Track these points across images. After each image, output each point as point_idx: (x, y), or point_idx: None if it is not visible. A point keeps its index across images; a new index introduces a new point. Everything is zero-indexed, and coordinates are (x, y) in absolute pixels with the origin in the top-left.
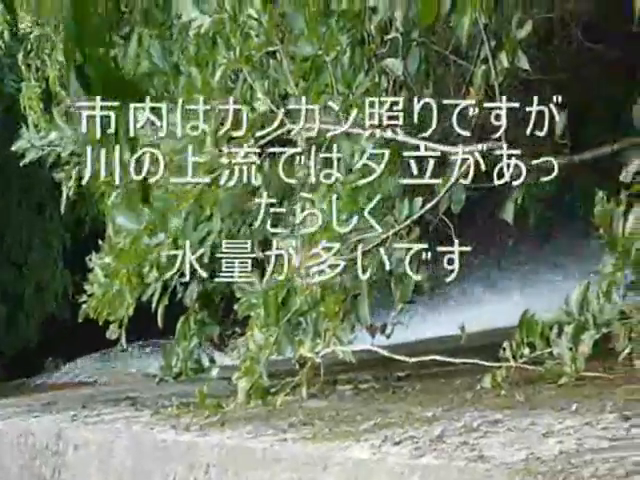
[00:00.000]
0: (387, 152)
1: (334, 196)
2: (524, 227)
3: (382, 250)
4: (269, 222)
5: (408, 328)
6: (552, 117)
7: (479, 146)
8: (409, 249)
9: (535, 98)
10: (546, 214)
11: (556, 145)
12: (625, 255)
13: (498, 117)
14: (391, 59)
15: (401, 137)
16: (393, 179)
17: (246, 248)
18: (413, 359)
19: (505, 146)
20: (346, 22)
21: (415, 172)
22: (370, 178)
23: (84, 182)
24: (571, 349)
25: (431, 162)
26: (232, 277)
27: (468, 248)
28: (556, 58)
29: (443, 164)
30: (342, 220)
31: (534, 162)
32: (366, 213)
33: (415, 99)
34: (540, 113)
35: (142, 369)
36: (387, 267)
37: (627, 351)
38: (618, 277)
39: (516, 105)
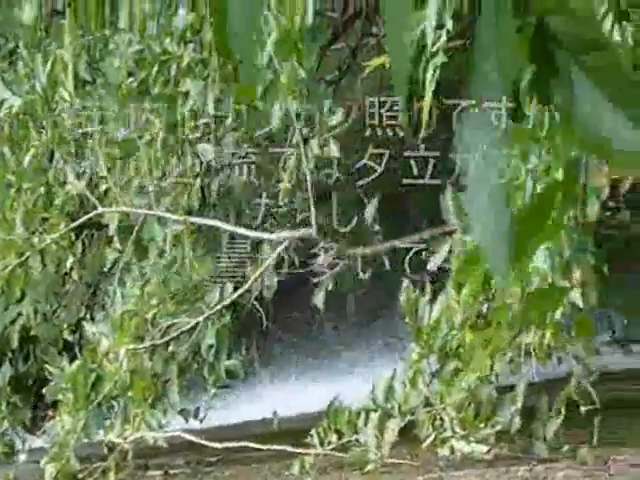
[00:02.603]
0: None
1: (146, 280)
2: (342, 313)
3: (194, 335)
4: (83, 305)
5: (224, 412)
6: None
7: (292, 233)
8: (221, 334)
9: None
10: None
11: (368, 233)
12: (430, 344)
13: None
14: (203, 144)
15: (211, 222)
16: (204, 265)
17: (58, 331)
18: (222, 444)
19: (314, 233)
20: (160, 105)
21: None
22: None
23: None
24: (377, 436)
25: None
26: (43, 360)
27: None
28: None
29: (257, 250)
30: (153, 305)
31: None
32: (177, 298)
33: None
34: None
35: None
36: (202, 352)
37: (431, 438)
38: (423, 365)
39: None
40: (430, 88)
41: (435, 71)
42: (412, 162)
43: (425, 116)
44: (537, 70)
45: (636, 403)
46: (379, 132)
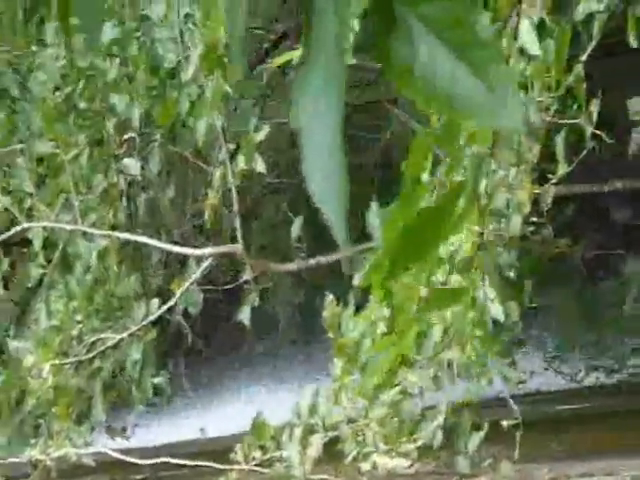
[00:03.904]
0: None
1: (71, 295)
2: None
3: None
4: (10, 323)
5: (151, 429)
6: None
7: (218, 249)
8: (147, 350)
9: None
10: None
11: (294, 249)
12: (353, 359)
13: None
14: (129, 159)
15: (137, 237)
16: (129, 280)
17: None
18: (147, 462)
19: (241, 249)
20: (85, 121)
21: (156, 273)
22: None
23: None
24: (300, 452)
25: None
26: None
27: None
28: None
29: (184, 265)
30: (78, 320)
31: (275, 266)
32: (102, 313)
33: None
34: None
35: None
36: (128, 368)
37: (354, 453)
38: (346, 380)
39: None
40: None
41: None
42: None
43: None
44: (376, 23)
45: (556, 420)
46: None
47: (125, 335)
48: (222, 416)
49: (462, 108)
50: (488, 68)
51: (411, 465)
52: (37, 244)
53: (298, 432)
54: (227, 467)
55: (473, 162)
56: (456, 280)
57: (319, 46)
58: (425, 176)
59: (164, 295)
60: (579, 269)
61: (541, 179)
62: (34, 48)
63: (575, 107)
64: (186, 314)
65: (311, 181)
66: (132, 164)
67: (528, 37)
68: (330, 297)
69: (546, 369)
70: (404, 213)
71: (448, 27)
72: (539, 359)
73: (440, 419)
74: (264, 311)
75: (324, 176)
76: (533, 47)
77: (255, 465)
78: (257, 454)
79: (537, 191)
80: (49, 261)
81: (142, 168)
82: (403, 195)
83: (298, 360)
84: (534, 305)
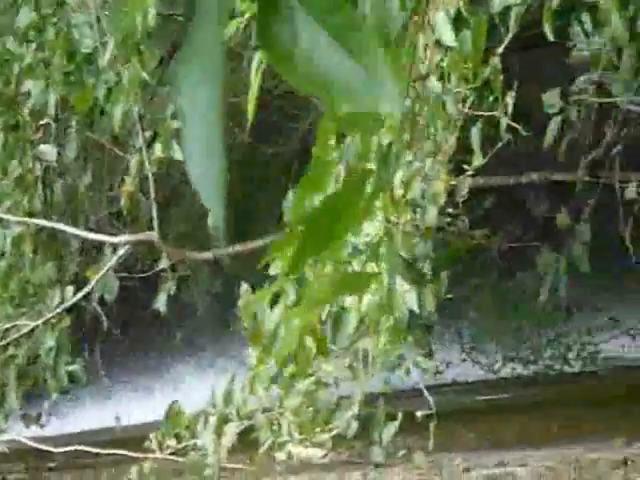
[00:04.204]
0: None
1: None
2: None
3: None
4: None
5: (66, 417)
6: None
7: (134, 236)
8: (62, 337)
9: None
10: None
11: (215, 239)
12: (268, 348)
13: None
14: (45, 145)
15: (52, 224)
16: (44, 267)
17: None
18: (60, 450)
19: (157, 237)
20: (1, 106)
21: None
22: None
23: None
24: (215, 441)
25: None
26: None
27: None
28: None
29: (100, 252)
30: None
31: (192, 255)
32: (16, 300)
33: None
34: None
35: None
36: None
37: (269, 443)
38: (262, 369)
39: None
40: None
41: None
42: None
43: None
44: (259, 7)
45: (472, 411)
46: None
47: (40, 322)
48: (138, 404)
49: (341, 93)
50: (366, 52)
51: (325, 455)
52: None
53: (213, 421)
54: (142, 455)
55: (380, 149)
56: (373, 270)
57: (199, 39)
58: (332, 160)
59: (80, 282)
60: (496, 261)
61: (459, 171)
62: None
63: (492, 99)
64: (103, 302)
65: (192, 174)
66: (48, 150)
67: (444, 28)
68: (245, 286)
69: (464, 360)
70: (310, 197)
71: (327, 11)
72: (457, 350)
73: (355, 409)
74: (182, 299)
75: (204, 170)
76: (448, 38)
77: (170, 454)
78: (172, 443)
79: (453, 182)
80: None
81: (58, 154)
82: (307, 178)
83: (215, 348)
84: (450, 296)
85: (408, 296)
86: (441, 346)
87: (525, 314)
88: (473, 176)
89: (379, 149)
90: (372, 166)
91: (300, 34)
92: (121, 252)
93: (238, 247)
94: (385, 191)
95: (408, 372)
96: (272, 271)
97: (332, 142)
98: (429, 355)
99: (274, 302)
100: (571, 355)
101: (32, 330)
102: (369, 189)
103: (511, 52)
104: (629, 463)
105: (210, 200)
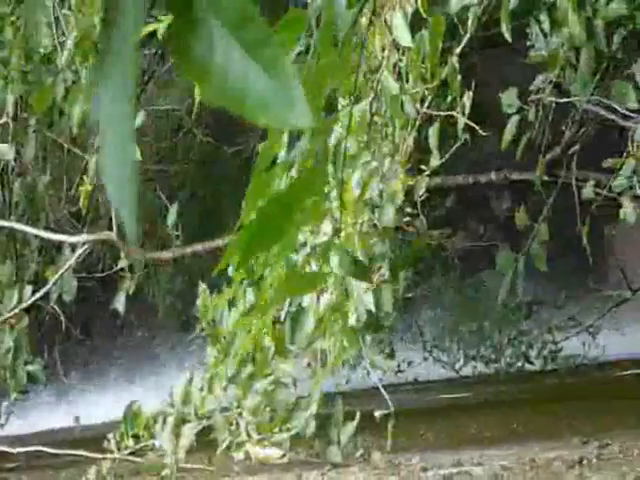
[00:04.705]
0: None
1: None
2: (154, 318)
3: None
4: None
5: (25, 418)
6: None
7: (91, 236)
8: (20, 337)
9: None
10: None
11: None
12: (227, 348)
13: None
14: (3, 145)
15: (9, 224)
16: (3, 267)
17: None
18: (18, 450)
19: (116, 237)
20: None
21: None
22: None
23: None
24: (173, 441)
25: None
26: None
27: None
28: (178, 151)
29: (59, 252)
30: None
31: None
32: None
33: None
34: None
35: None
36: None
37: (226, 443)
38: (220, 369)
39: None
40: None
41: None
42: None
43: None
44: (175, 19)
45: (433, 410)
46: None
47: None
48: (97, 404)
49: (254, 107)
50: (277, 67)
51: (284, 455)
52: None
53: (171, 421)
54: (100, 456)
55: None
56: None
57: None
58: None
59: (39, 282)
60: (456, 260)
61: (418, 171)
62: None
63: (450, 99)
64: (63, 302)
65: (107, 181)
66: (6, 149)
67: (400, 29)
68: (203, 286)
69: (425, 359)
70: (258, 195)
71: (239, 25)
72: (418, 349)
73: (313, 409)
74: (142, 299)
75: (118, 175)
76: (405, 39)
77: (128, 454)
78: (130, 443)
79: (411, 182)
80: None
81: (17, 153)
82: (256, 176)
83: (174, 349)
84: (410, 296)
85: (365, 296)
86: (403, 345)
87: (486, 313)
88: (431, 176)
89: (324, 147)
90: (324, 165)
91: (215, 48)
92: (79, 252)
93: (198, 246)
94: (338, 190)
95: (368, 371)
96: (230, 271)
97: (283, 139)
98: (391, 355)
99: (232, 303)
100: (532, 353)
101: None
102: (319, 188)
103: (470, 52)
104: (584, 462)
105: (123, 209)
